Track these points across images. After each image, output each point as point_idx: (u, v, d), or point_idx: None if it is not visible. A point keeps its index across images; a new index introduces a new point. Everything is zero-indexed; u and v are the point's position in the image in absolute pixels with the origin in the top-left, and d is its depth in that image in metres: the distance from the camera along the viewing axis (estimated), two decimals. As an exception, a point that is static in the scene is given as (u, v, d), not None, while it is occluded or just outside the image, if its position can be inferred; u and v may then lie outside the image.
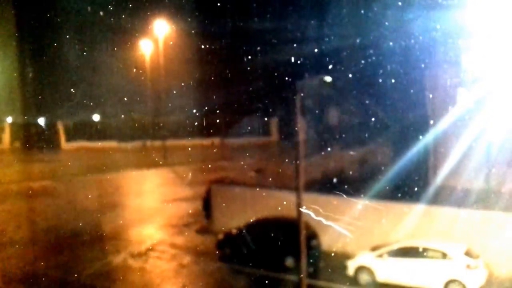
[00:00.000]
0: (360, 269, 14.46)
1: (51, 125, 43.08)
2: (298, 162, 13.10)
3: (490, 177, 13.92)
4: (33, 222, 20.31)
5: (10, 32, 24.28)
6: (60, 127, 44.11)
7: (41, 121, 42.22)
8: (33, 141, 38.60)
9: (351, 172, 15.71)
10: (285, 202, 14.95)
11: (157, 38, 31.17)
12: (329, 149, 16.51)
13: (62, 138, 44.13)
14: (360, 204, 14.04)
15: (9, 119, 43.32)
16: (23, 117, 36.86)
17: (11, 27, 23.95)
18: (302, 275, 12.86)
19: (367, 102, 15.47)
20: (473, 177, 13.68)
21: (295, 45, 14.34)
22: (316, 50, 14.31)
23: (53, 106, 37.40)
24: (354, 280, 14.41)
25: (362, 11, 14.49)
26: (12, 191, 25.16)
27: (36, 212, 21.89)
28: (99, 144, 39.65)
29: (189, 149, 31.31)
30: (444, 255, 13.39)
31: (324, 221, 11.55)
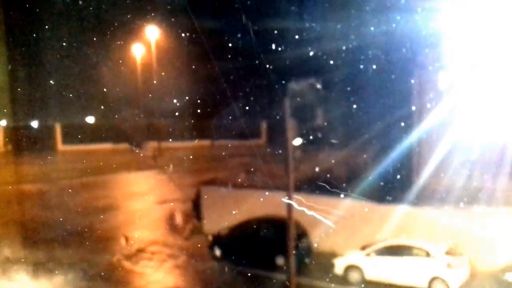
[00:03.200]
0: (349, 267, 14.81)
1: (45, 127, 43.08)
2: (287, 163, 13.41)
3: (472, 176, 14.23)
4: (22, 224, 20.37)
5: (1, 33, 24.33)
6: (56, 129, 44.17)
7: (35, 123, 42.23)
8: (27, 144, 38.48)
9: (338, 173, 15.97)
10: (274, 202, 15.22)
11: (149, 41, 31.44)
12: (315, 150, 16.76)
13: (58, 140, 44.21)
14: (347, 204, 14.35)
15: (3, 123, 43.22)
16: (16, 120, 36.68)
17: (1, 29, 23.98)
18: (291, 274, 13.17)
19: (351, 100, 15.68)
20: (455, 176, 13.97)
21: (282, 48, 14.53)
22: (301, 53, 14.50)
23: (47, 108, 37.38)
24: (343, 278, 14.75)
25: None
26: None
27: (27, 213, 21.93)
28: (94, 146, 39.84)
29: (173, 150, 31.72)
30: (427, 253, 13.76)
31: (306, 211, 11.83)
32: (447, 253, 13.66)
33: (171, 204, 22.24)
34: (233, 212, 16.96)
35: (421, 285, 13.66)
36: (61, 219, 20.43)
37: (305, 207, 12.23)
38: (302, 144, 15.89)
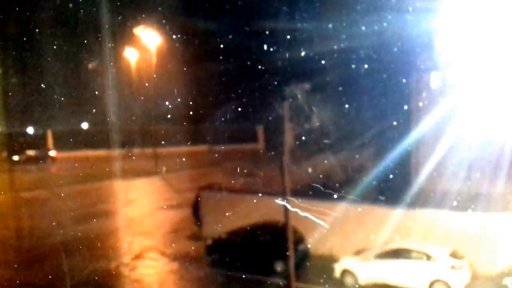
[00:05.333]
0: (344, 272, 14.78)
1: (39, 134, 42.80)
2: (284, 167, 13.38)
3: (470, 178, 14.22)
4: (16, 231, 20.20)
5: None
6: (49, 136, 43.93)
7: (28, 130, 41.93)
8: (20, 151, 38.23)
9: (334, 176, 15.95)
10: (272, 207, 15.15)
11: (144, 44, 31.38)
12: (313, 154, 16.72)
13: (51, 147, 43.95)
14: (343, 207, 14.30)
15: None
16: (8, 127, 36.34)
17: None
18: (290, 279, 13.11)
19: (346, 101, 15.65)
20: (453, 178, 13.95)
21: (277, 51, 14.49)
22: (297, 54, 14.46)
23: (40, 115, 37.12)
24: (341, 282, 14.72)
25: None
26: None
27: (21, 220, 21.76)
28: (88, 152, 39.60)
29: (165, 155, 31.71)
30: (428, 257, 13.73)
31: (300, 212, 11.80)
32: (450, 256, 13.65)
33: (169, 209, 22.17)
34: (232, 217, 16.90)
35: (421, 289, 13.63)
36: (55, 226, 20.25)
37: (302, 211, 12.19)
38: (301, 149, 15.88)
